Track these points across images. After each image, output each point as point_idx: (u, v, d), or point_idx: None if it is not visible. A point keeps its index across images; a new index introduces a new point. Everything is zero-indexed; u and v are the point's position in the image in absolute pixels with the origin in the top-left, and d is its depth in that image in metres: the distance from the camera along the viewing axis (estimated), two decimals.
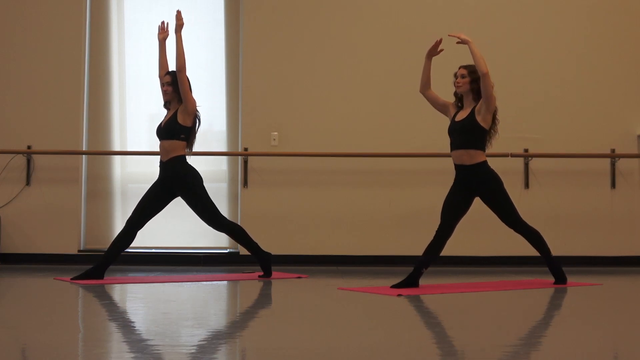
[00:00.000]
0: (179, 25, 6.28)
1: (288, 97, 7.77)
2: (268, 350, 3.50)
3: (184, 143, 6.29)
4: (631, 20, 7.91)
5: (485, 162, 5.85)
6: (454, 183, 5.89)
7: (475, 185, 5.83)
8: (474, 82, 5.87)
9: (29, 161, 7.67)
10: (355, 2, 7.88)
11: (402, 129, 7.71)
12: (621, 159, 7.73)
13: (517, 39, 7.88)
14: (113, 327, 4.19)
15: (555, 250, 6.26)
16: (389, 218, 7.57)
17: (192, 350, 3.47)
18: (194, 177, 6.29)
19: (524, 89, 7.79)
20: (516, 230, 6.04)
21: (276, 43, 7.80)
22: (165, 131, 6.29)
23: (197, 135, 6.39)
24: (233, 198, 7.80)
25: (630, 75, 7.86)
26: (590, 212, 7.74)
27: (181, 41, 6.24)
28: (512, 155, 7.62)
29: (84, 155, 7.78)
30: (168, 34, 6.46)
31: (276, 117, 7.74)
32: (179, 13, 6.32)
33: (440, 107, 6.08)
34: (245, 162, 7.68)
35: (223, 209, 7.76)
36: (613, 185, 7.76)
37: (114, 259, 6.23)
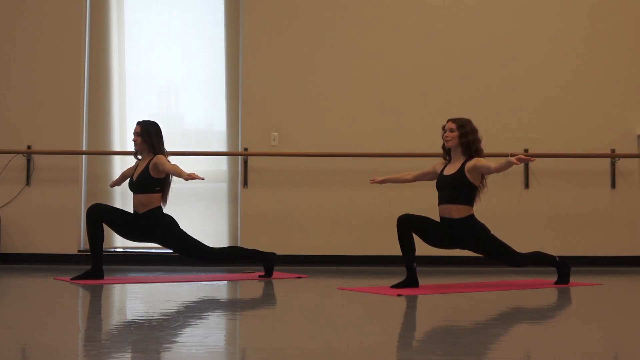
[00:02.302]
0: (191, 179, 5.91)
1: (288, 97, 7.77)
2: (268, 350, 3.50)
3: (159, 195, 6.29)
4: (631, 20, 7.91)
5: (472, 215, 5.80)
6: (440, 224, 5.86)
7: (462, 238, 5.80)
8: (462, 136, 5.82)
9: (29, 161, 7.67)
10: (355, 2, 7.88)
11: (402, 129, 7.71)
12: (621, 159, 7.73)
13: (517, 39, 7.88)
14: (113, 327, 4.19)
15: (556, 251, 6.27)
16: (389, 218, 7.53)
17: (192, 350, 3.47)
18: (170, 225, 6.28)
19: (524, 89, 7.79)
20: (519, 266, 6.03)
21: (276, 43, 7.80)
22: (139, 185, 6.28)
23: (170, 186, 6.36)
24: (233, 198, 7.80)
25: (630, 75, 7.86)
26: (590, 212, 7.73)
27: (183, 178, 5.97)
28: (512, 155, 7.60)
29: (84, 155, 7.78)
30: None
31: (276, 117, 7.74)
32: (198, 178, 5.88)
33: (432, 176, 6.08)
34: (245, 162, 7.68)
35: (223, 209, 7.78)
36: (613, 185, 7.75)
37: (101, 254, 6.19)
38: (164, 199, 6.33)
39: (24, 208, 7.64)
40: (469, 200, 5.78)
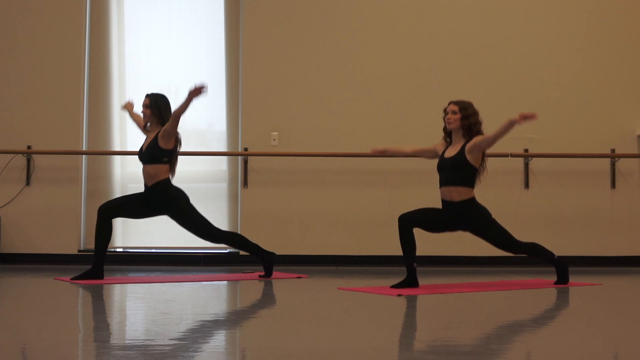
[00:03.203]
0: (196, 93, 6.02)
1: (288, 97, 7.77)
2: (268, 350, 3.50)
3: (167, 166, 6.29)
4: (631, 21, 7.91)
5: (473, 198, 5.83)
6: (441, 211, 5.89)
7: (462, 221, 5.84)
8: (464, 118, 5.85)
9: (29, 161, 7.67)
10: (355, 3, 7.88)
11: (402, 129, 7.71)
12: (621, 159, 7.73)
13: (518, 39, 7.88)
14: (113, 327, 4.19)
15: (555, 250, 6.26)
16: (389, 218, 7.55)
17: (192, 350, 3.47)
18: (181, 198, 6.31)
19: (525, 89, 7.79)
20: (515, 253, 6.04)
21: (276, 43, 7.80)
22: (147, 155, 6.28)
23: (178, 157, 6.39)
24: (233, 198, 7.80)
25: (630, 75, 7.86)
26: (590, 212, 7.73)
27: (190, 102, 6.05)
28: (512, 155, 7.62)
29: (84, 155, 7.78)
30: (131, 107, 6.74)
31: (276, 117, 7.74)
32: (203, 89, 6.03)
33: (432, 154, 6.11)
34: (245, 162, 7.68)
35: (223, 209, 7.77)
36: (613, 185, 7.76)
37: (105, 254, 6.20)
38: (172, 170, 6.33)
39: (24, 208, 7.64)
40: (470, 182, 5.81)
